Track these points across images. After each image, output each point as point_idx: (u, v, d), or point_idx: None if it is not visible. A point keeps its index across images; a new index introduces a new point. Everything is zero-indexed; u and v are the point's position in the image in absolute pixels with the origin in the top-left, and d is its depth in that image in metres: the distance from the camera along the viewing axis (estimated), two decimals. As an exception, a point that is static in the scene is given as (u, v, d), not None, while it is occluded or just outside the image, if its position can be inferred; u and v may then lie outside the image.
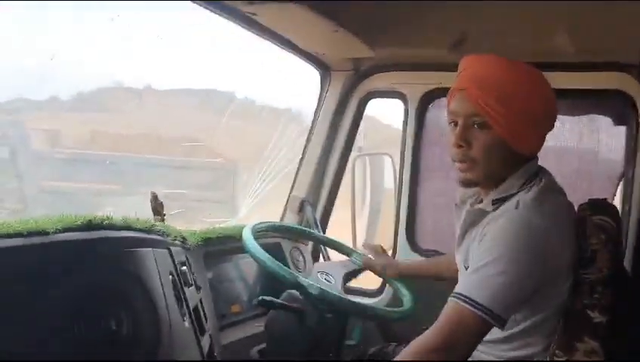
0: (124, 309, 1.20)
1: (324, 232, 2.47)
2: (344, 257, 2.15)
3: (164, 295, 1.30)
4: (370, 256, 2.09)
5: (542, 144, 1.48)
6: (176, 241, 1.61)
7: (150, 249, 1.32)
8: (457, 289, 1.34)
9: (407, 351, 1.31)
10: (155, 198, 1.69)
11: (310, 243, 2.45)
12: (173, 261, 1.49)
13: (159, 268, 1.32)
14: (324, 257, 2.43)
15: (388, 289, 2.40)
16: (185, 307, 1.45)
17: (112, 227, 1.29)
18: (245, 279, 2.22)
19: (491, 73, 1.40)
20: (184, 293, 1.49)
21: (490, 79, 1.39)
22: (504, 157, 1.41)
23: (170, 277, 1.42)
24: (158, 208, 1.68)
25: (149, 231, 1.41)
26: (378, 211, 2.65)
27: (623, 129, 2.19)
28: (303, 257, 2.39)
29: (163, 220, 1.70)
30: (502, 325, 1.31)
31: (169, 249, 1.49)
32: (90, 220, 1.26)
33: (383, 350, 1.95)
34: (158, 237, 1.45)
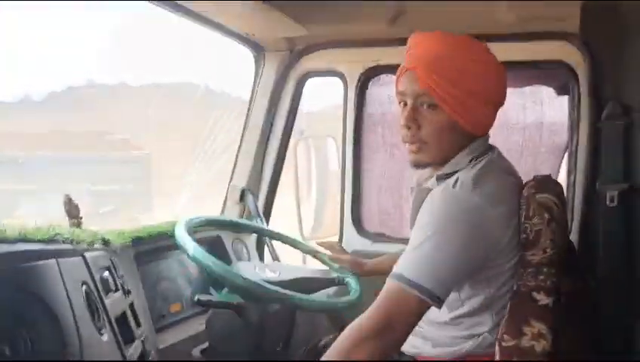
0: (20, 333, 1.07)
1: (267, 221, 2.38)
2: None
3: (72, 309, 1.17)
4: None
5: (493, 121, 1.44)
6: (95, 246, 1.48)
7: (54, 260, 1.19)
8: (394, 269, 1.31)
9: (344, 335, 1.27)
10: (69, 201, 1.55)
11: (254, 234, 2.35)
12: (89, 269, 1.36)
13: (66, 279, 1.20)
14: (269, 248, 2.33)
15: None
16: (103, 317, 1.33)
17: (3, 240, 1.15)
18: (186, 275, 2.11)
19: (440, 52, 1.35)
20: (103, 303, 1.36)
21: (438, 58, 1.34)
22: (455, 137, 1.38)
23: (84, 287, 1.29)
24: (72, 211, 1.54)
25: (51, 240, 1.28)
26: (325, 196, 2.58)
27: (566, 99, 2.15)
28: (247, 249, 2.29)
29: (79, 224, 1.57)
30: (439, 304, 1.28)
31: (83, 256, 1.36)
32: (-26, 235, 1.12)
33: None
34: (66, 246, 1.32)
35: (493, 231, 1.33)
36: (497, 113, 1.44)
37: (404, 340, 1.30)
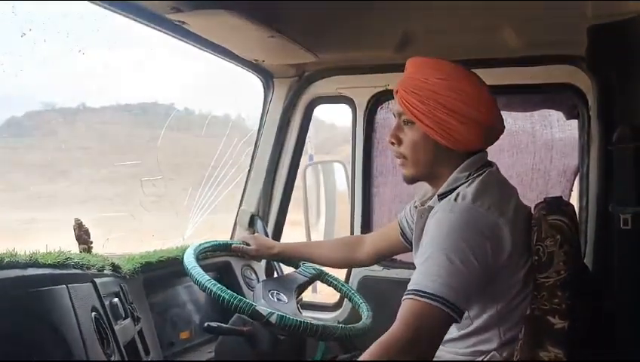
0: (29, 358, 1.06)
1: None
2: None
3: (82, 335, 1.16)
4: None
5: (482, 140, 1.48)
6: (105, 271, 1.48)
7: (64, 286, 1.19)
8: (409, 286, 1.30)
9: (370, 353, 1.22)
10: (79, 226, 1.55)
11: (263, 260, 2.33)
12: (99, 295, 1.35)
13: (76, 305, 1.19)
14: (278, 273, 2.31)
15: (346, 303, 2.30)
16: (113, 344, 1.32)
17: (15, 265, 1.15)
18: (195, 302, 2.09)
19: (413, 73, 1.48)
20: (112, 329, 1.35)
21: (411, 79, 1.47)
22: (433, 151, 1.46)
23: (94, 313, 1.28)
24: (83, 236, 1.54)
25: (62, 265, 1.27)
26: (334, 221, 2.57)
27: (575, 123, 2.14)
28: (256, 275, 2.27)
29: (90, 249, 1.56)
30: (459, 315, 1.27)
31: (93, 281, 1.35)
32: (-15, 259, 1.11)
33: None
34: (76, 271, 1.31)
35: (497, 238, 1.35)
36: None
37: (431, 355, 1.28)
